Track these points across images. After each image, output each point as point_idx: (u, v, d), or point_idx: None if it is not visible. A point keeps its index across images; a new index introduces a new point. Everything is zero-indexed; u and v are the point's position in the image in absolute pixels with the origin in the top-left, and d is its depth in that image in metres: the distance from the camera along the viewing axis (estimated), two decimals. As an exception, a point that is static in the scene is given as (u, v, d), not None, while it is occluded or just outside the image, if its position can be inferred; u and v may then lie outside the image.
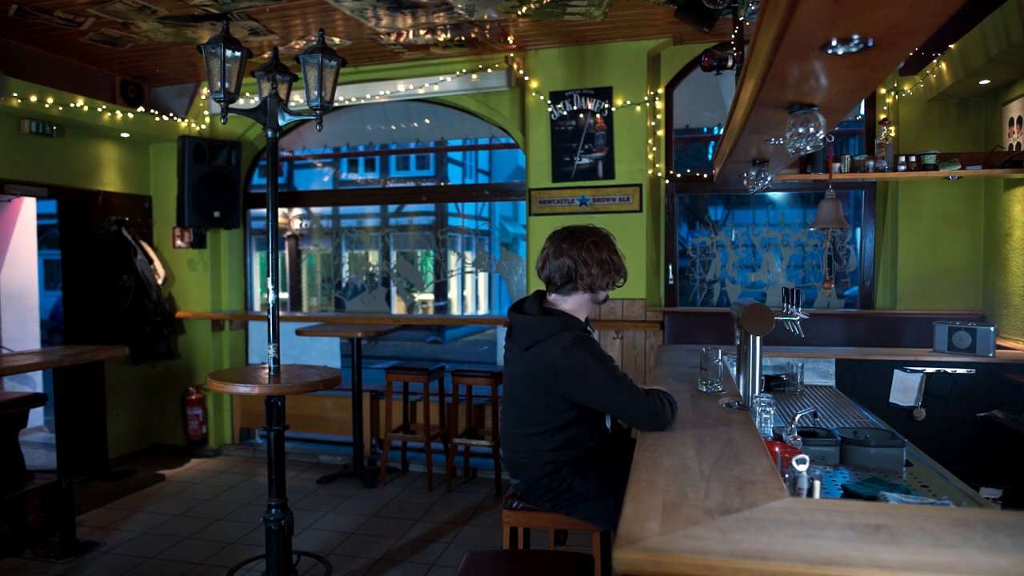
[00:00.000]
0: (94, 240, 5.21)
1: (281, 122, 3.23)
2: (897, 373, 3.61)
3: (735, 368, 3.00)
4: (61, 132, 4.93)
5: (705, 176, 4.79)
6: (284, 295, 6.57)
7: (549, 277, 2.39)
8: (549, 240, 2.43)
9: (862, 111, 4.54)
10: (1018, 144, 3.70)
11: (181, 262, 5.76)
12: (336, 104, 4.43)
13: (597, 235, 2.39)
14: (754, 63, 1.63)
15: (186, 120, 5.58)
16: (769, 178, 3.20)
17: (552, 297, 2.43)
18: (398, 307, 6.05)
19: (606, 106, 4.69)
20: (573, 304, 2.40)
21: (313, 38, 4.49)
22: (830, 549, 1.13)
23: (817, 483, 1.64)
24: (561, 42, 4.70)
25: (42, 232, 6.73)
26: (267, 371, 3.22)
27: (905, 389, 3.58)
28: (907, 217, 4.34)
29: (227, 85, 2.98)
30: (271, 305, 3.21)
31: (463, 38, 4.59)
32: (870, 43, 1.25)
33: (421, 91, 4.97)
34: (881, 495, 1.77)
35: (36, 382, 6.14)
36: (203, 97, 5.64)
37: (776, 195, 5.31)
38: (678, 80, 4.83)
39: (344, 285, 5.98)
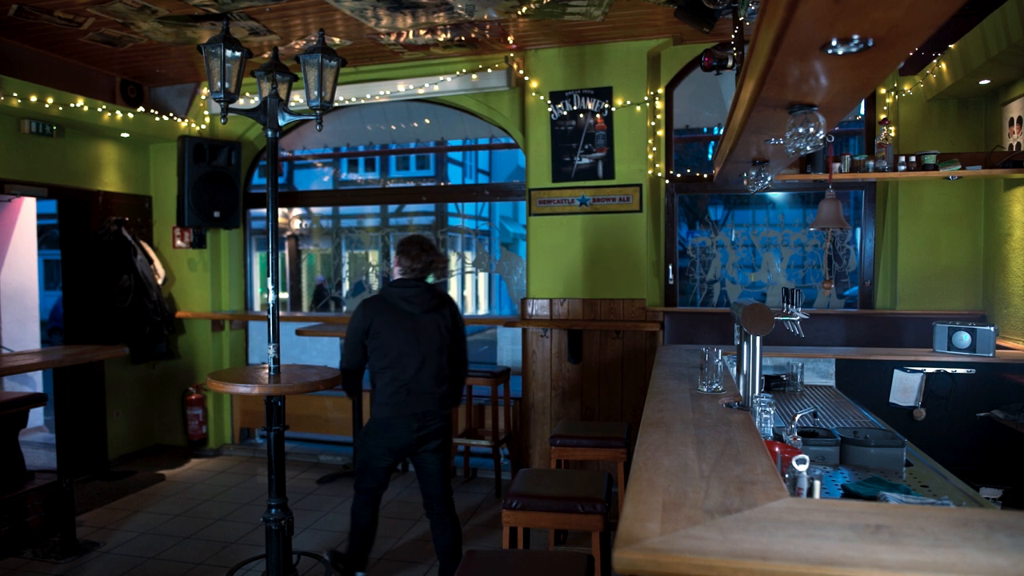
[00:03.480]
0: (94, 240, 5.21)
1: (281, 122, 3.23)
2: (897, 373, 3.61)
3: (735, 368, 3.00)
4: (61, 132, 4.93)
5: (705, 176, 4.79)
6: (284, 295, 6.57)
7: (423, 271, 3.24)
8: (409, 246, 3.23)
9: (862, 111, 4.54)
10: (1018, 144, 3.70)
11: (181, 262, 5.76)
12: (336, 104, 4.43)
13: (425, 239, 3.31)
14: (754, 63, 1.63)
15: (186, 120, 5.58)
16: (769, 178, 3.20)
17: (429, 282, 3.36)
18: (398, 307, 6.03)
19: (606, 106, 4.69)
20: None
21: (313, 38, 4.49)
22: (830, 549, 1.13)
23: (817, 483, 1.64)
24: (561, 42, 4.70)
25: (42, 232, 6.73)
26: (267, 371, 3.22)
27: (905, 389, 3.58)
28: (907, 217, 4.34)
29: (227, 85, 2.98)
30: (271, 305, 3.21)
31: (463, 38, 4.59)
32: (870, 43, 1.25)
33: (421, 91, 4.96)
34: (881, 495, 1.77)
35: (36, 382, 6.14)
36: (203, 97, 5.64)
37: (776, 195, 5.31)
38: (678, 80, 4.83)
39: (344, 285, 5.98)
